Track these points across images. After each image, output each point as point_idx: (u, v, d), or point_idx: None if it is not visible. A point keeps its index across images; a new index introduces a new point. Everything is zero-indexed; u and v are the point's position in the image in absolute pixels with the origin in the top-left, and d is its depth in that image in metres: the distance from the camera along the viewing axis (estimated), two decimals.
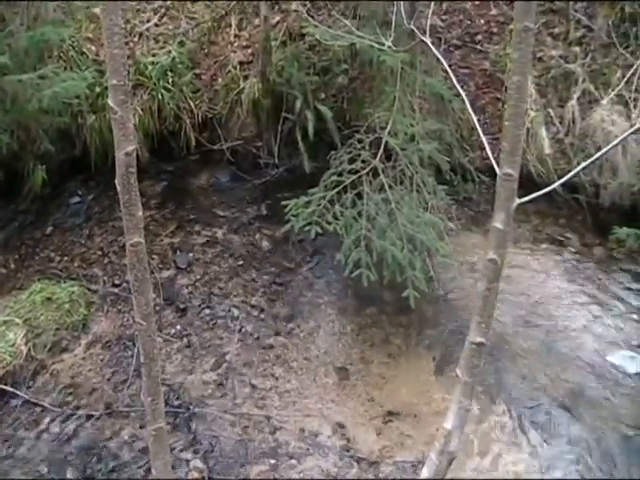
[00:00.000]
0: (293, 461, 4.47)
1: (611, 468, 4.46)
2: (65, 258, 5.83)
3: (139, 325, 2.83)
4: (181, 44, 7.30)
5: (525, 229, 6.03)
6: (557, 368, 5.04)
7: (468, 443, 4.42)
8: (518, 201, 2.71)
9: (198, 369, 5.01)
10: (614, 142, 3.65)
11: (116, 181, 2.49)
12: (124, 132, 2.43)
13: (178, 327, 5.27)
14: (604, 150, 3.29)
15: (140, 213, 2.57)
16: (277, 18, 7.51)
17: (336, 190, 5.57)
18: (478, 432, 4.54)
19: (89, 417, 4.72)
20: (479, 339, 2.88)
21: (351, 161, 5.81)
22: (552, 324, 5.35)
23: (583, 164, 3.68)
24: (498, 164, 2.63)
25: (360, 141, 5.96)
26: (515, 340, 5.22)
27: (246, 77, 7.02)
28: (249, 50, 7.41)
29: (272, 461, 4.48)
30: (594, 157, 3.30)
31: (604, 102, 6.68)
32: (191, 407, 4.78)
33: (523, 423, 4.65)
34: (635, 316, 5.40)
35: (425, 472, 3.14)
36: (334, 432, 4.61)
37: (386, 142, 5.82)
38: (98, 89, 6.53)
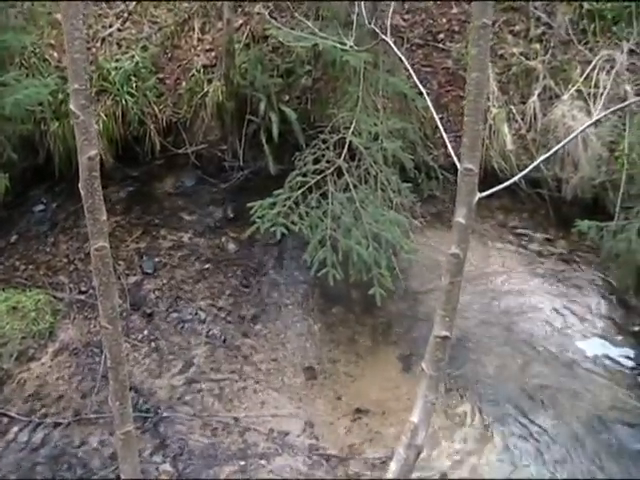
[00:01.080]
0: (262, 461, 4.51)
1: (580, 455, 4.56)
2: (30, 266, 5.81)
3: (105, 329, 2.86)
4: (144, 49, 7.30)
5: (489, 224, 6.13)
6: (523, 359, 5.14)
7: (436, 437, 4.50)
8: (479, 195, 2.77)
9: (166, 373, 5.02)
10: (571, 135, 3.77)
11: (80, 186, 2.52)
12: (87, 136, 2.44)
13: (145, 332, 5.28)
14: (562, 143, 3.39)
15: (104, 217, 2.59)
16: (240, 21, 7.54)
17: (301, 191, 5.62)
18: (446, 426, 4.62)
19: (57, 425, 4.72)
20: (443, 333, 2.93)
21: (316, 161, 5.88)
22: (517, 317, 5.45)
23: (541, 158, 3.77)
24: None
25: (324, 141, 6.02)
26: (480, 333, 5.31)
27: (210, 80, 7.04)
28: (212, 53, 7.43)
29: (241, 462, 4.51)
30: (552, 151, 3.39)
31: (564, 98, 6.82)
32: (160, 411, 4.80)
33: (491, 416, 4.74)
34: (597, 306, 5.53)
35: (393, 466, 3.19)
36: (303, 431, 4.65)
37: (350, 142, 5.89)
38: (61, 96, 6.51)
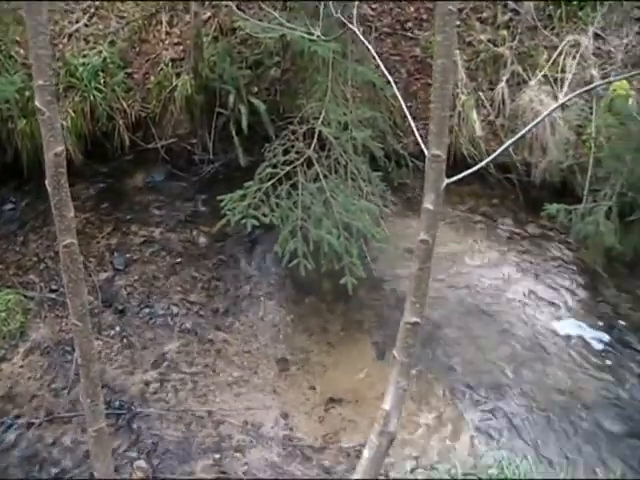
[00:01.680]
0: (237, 454, 4.46)
1: (552, 436, 4.55)
2: (0, 266, 5.69)
3: (75, 326, 2.80)
4: (112, 44, 7.16)
5: (460, 210, 6.11)
6: (495, 341, 5.13)
7: (409, 423, 4.47)
8: (447, 181, 2.74)
9: (139, 369, 4.94)
10: (537, 119, 3.74)
11: (46, 182, 2.45)
12: (52, 133, 2.41)
13: (117, 328, 5.19)
14: (527, 128, 3.34)
15: (72, 214, 2.56)
16: (208, 14, 7.42)
17: (271, 182, 5.55)
18: (418, 411, 4.59)
19: (30, 425, 4.62)
20: (414, 319, 2.90)
21: (285, 152, 5.80)
22: (489, 300, 5.44)
23: (507, 142, 3.73)
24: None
25: (294, 132, 5.95)
26: (453, 317, 5.29)
27: (178, 74, 6.93)
28: (181, 47, 7.31)
29: (216, 455, 4.45)
30: (518, 135, 3.34)
31: (532, 83, 6.79)
32: (133, 407, 4.72)
33: (463, 399, 4.72)
34: (568, 287, 5.53)
35: (366, 453, 3.16)
36: (277, 422, 4.60)
37: (320, 132, 5.82)
38: (28, 93, 6.35)
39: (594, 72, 6.80)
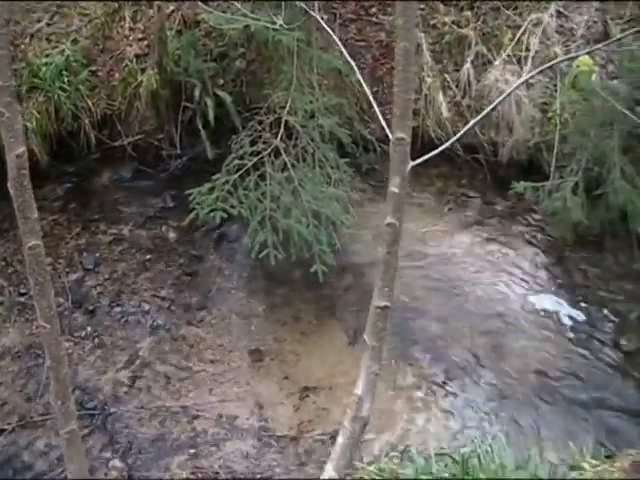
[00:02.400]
0: (213, 448, 4.38)
1: (527, 412, 4.51)
2: None
3: (43, 329, 2.74)
4: (75, 42, 6.99)
5: (429, 192, 6.04)
6: (467, 320, 5.08)
7: (383, 407, 4.40)
8: (412, 164, 2.69)
9: (111, 368, 4.84)
10: (500, 97, 3.66)
11: (8, 185, 2.40)
12: (13, 134, 2.38)
13: (89, 329, 5.08)
14: (491, 106, 3.27)
15: (35, 215, 2.51)
16: (171, 7, 7.26)
17: (239, 174, 5.45)
18: (392, 395, 4.53)
19: (1, 431, 4.51)
20: (383, 303, 2.85)
21: (252, 143, 5.71)
22: (460, 280, 5.39)
23: (471, 122, 3.65)
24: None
25: (260, 122, 5.85)
26: (425, 298, 5.23)
27: (143, 70, 6.77)
28: (145, 42, 7.14)
29: (191, 450, 4.37)
30: (481, 114, 3.27)
31: (497, 63, 6.71)
32: (106, 407, 4.62)
33: (437, 380, 4.67)
34: (537, 264, 5.48)
35: (340, 439, 3.10)
36: (252, 414, 4.53)
37: (286, 121, 5.72)
38: None
39: (557, 49, 6.73)
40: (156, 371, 4.81)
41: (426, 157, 2.86)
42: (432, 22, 7.14)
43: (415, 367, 4.75)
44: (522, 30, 6.88)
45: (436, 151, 2.94)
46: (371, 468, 3.78)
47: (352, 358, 4.76)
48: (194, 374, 4.79)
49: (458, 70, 6.76)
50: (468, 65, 6.73)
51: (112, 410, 4.59)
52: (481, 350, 4.85)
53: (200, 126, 6.36)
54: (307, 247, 5.04)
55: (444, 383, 4.64)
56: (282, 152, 5.61)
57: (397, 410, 4.48)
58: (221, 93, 6.52)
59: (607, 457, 3.96)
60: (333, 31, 6.44)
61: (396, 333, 4.81)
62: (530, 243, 5.62)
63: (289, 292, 5.30)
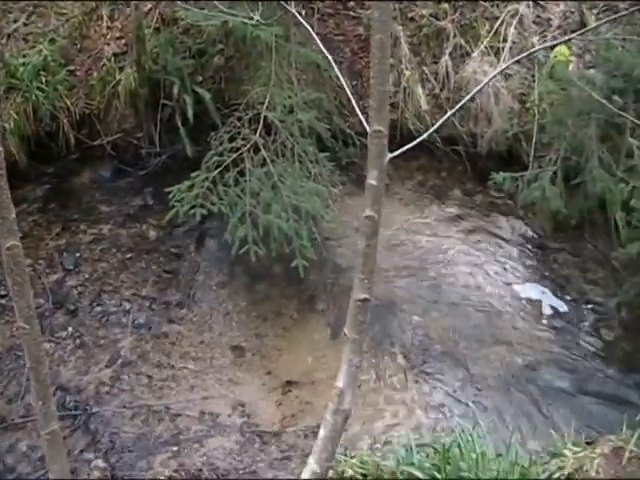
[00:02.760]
0: (195, 445, 4.35)
1: (508, 402, 4.51)
2: None
3: (22, 329, 2.70)
4: (52, 42, 6.91)
5: (409, 185, 6.02)
6: (448, 311, 5.07)
7: (364, 399, 4.39)
8: (390, 156, 2.68)
9: (93, 368, 4.79)
10: (477, 88, 3.64)
11: None
12: None
13: (70, 329, 5.03)
14: (467, 97, 3.25)
15: (13, 215, 2.44)
16: (149, 5, 7.20)
17: (218, 170, 5.41)
18: (374, 387, 4.52)
19: None
20: (363, 295, 2.83)
21: (231, 139, 5.66)
22: (442, 272, 5.37)
23: (449, 113, 3.63)
24: None
25: (239, 119, 5.80)
26: (407, 291, 5.22)
27: (122, 68, 6.71)
28: (123, 41, 7.07)
29: (174, 448, 4.34)
30: (458, 105, 3.25)
31: (475, 54, 6.69)
32: (88, 407, 4.57)
33: (419, 372, 4.65)
34: (517, 254, 5.48)
35: (322, 433, 3.08)
36: (234, 410, 4.50)
37: (265, 116, 5.69)
38: None
39: (535, 40, 6.73)
40: (138, 370, 4.77)
41: (403, 149, 2.85)
42: (410, 15, 7.11)
43: (395, 357, 4.73)
44: (499, 21, 6.87)
45: (413, 143, 2.93)
46: (354, 461, 3.77)
47: (334, 352, 4.74)
48: (176, 372, 4.75)
49: (436, 62, 6.74)
50: (446, 57, 6.71)
51: (94, 410, 4.55)
52: (462, 339, 4.84)
53: (179, 124, 6.31)
54: (287, 242, 5.01)
55: (425, 373, 4.63)
56: (261, 148, 5.58)
57: (379, 401, 4.46)
58: (200, 90, 6.46)
59: (588, 443, 3.96)
60: (311, 26, 6.40)
61: (376, 323, 4.79)
62: (509, 233, 5.62)
63: (270, 288, 5.27)
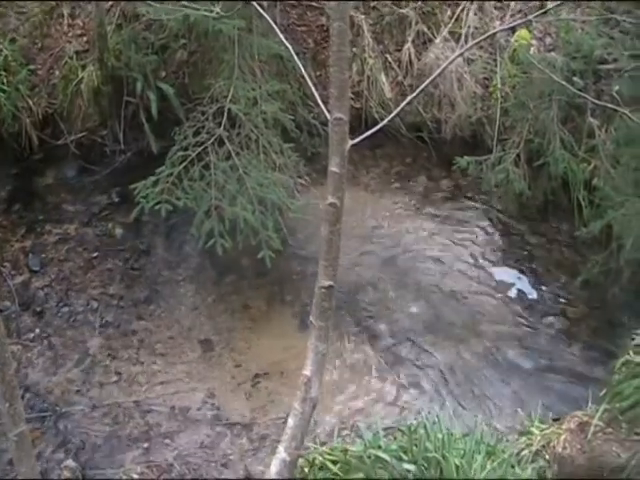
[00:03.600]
0: (167, 440, 4.32)
1: (476, 386, 4.52)
2: None
3: None
4: (12, 41, 6.78)
5: (375, 173, 6.00)
6: (416, 297, 5.07)
7: (333, 387, 4.38)
8: (351, 143, 2.68)
9: (62, 369, 4.73)
10: (435, 73, 3.62)
11: None
12: None
13: (37, 331, 4.95)
14: (426, 82, 3.23)
15: None
16: (110, 2, 7.09)
17: (183, 165, 5.35)
18: (342, 375, 4.51)
19: None
20: (327, 282, 2.83)
21: (196, 134, 5.60)
22: (409, 258, 5.37)
23: (408, 98, 3.61)
24: None
25: (203, 113, 5.74)
26: (376, 278, 5.21)
27: (84, 66, 6.60)
28: (84, 38, 6.96)
29: (145, 445, 4.30)
30: (417, 91, 3.23)
31: (437, 41, 6.68)
32: (58, 408, 4.51)
33: (386, 355, 4.66)
34: (484, 237, 5.49)
35: (290, 422, 3.07)
36: (204, 404, 4.47)
37: (229, 109, 5.63)
38: None
39: (496, 24, 6.72)
40: (107, 368, 4.72)
41: (364, 136, 2.85)
42: (372, 4, 7.07)
43: (363, 341, 4.73)
44: (461, 7, 6.86)
45: (374, 129, 2.93)
46: (323, 448, 3.76)
47: (302, 342, 4.67)
48: (146, 368, 4.70)
49: (399, 50, 6.71)
50: (409, 45, 6.69)
51: (64, 410, 4.49)
52: (429, 322, 4.85)
53: (143, 120, 6.23)
54: (254, 234, 4.97)
55: (392, 355, 4.63)
56: (226, 141, 5.53)
57: (345, 388, 4.45)
58: (163, 86, 6.38)
59: (555, 420, 4.00)
60: (274, 17, 6.37)
61: (343, 308, 4.79)
62: (475, 217, 5.63)
63: (238, 280, 5.23)
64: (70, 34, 7.07)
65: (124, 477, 4.11)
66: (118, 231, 5.60)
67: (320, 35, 6.95)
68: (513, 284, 5.13)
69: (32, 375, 4.70)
